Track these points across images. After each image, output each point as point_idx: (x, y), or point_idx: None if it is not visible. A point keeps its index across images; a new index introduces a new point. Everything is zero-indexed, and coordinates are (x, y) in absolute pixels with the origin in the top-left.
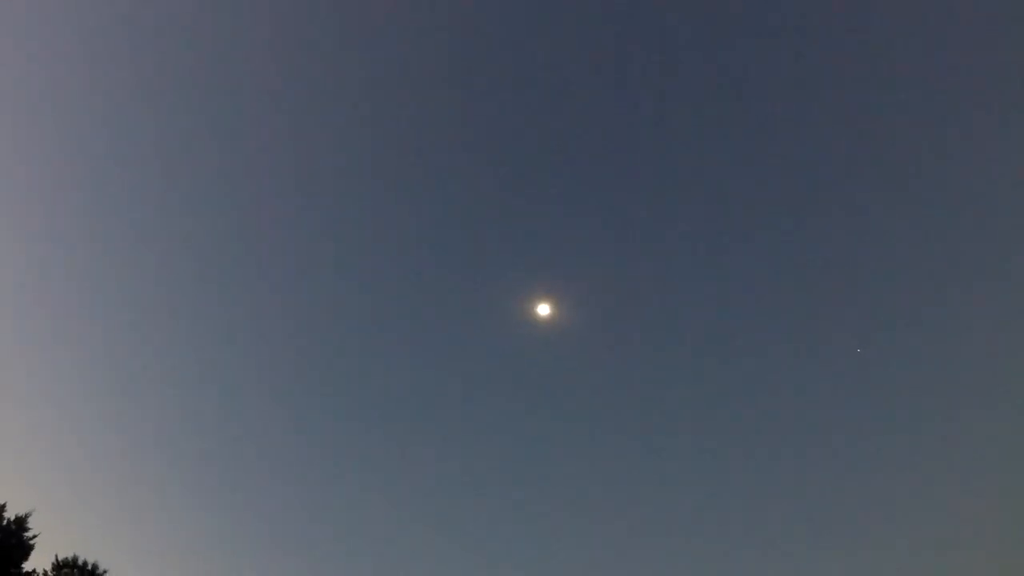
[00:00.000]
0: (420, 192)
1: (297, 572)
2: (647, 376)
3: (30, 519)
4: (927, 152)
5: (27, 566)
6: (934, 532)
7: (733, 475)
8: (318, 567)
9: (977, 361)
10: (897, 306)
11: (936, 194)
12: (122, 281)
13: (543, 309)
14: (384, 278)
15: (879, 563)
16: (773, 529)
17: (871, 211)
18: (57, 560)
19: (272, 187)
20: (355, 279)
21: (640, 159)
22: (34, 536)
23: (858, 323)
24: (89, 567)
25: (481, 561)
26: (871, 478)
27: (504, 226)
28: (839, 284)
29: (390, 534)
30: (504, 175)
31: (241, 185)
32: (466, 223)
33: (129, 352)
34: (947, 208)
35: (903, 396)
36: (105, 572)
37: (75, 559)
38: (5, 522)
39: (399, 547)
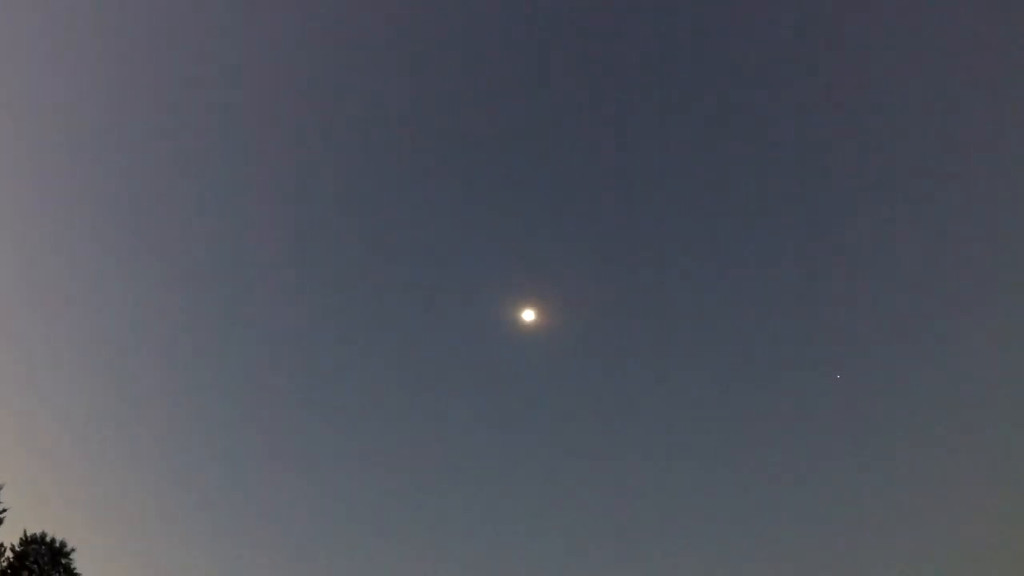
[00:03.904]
0: (405, 197)
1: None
2: (632, 381)
3: (0, 492)
4: (923, 161)
5: None
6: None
7: (718, 481)
8: (299, 565)
9: (971, 376)
10: (887, 316)
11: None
12: (106, 266)
13: (528, 315)
14: (368, 284)
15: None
16: (758, 533)
17: (860, 224)
18: (25, 535)
19: (261, 193)
20: (339, 285)
21: (628, 165)
22: (3, 509)
23: (847, 330)
24: (57, 544)
25: (463, 567)
26: (862, 488)
27: (489, 231)
28: (830, 289)
29: (371, 539)
30: (489, 180)
31: (230, 192)
32: (451, 228)
33: (105, 338)
34: (942, 222)
35: (894, 407)
36: (72, 551)
37: (43, 535)
38: None
39: (381, 551)
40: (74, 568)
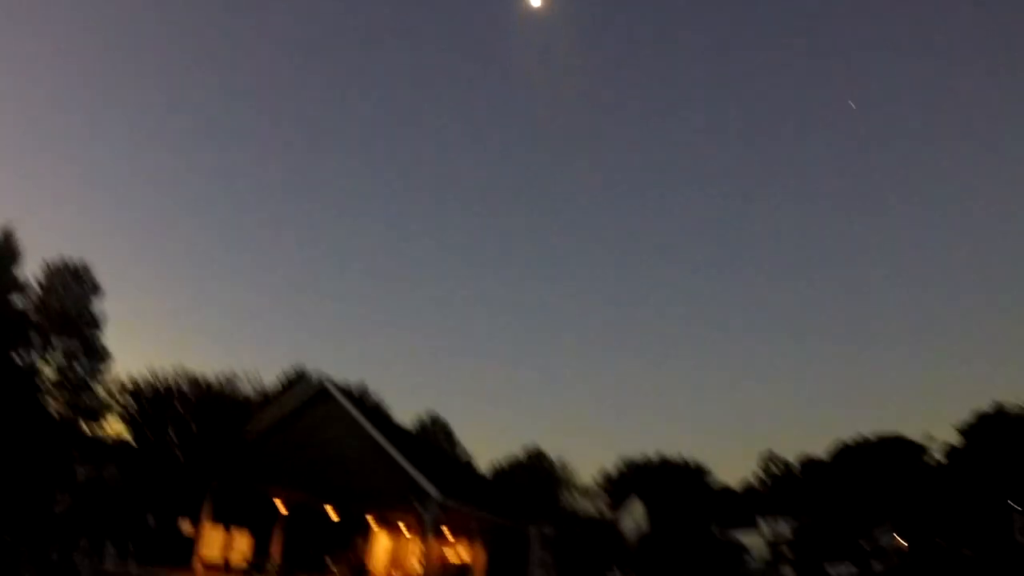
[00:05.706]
0: None
1: None
2: (645, 63)
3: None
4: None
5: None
6: None
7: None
8: None
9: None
10: None
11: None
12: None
13: None
14: None
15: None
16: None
17: None
18: (47, 265)
19: None
20: None
21: None
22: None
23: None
24: (76, 267)
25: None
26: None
27: None
28: None
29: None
30: None
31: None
32: None
33: None
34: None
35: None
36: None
37: (64, 263)
38: None
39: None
40: (96, 283)
